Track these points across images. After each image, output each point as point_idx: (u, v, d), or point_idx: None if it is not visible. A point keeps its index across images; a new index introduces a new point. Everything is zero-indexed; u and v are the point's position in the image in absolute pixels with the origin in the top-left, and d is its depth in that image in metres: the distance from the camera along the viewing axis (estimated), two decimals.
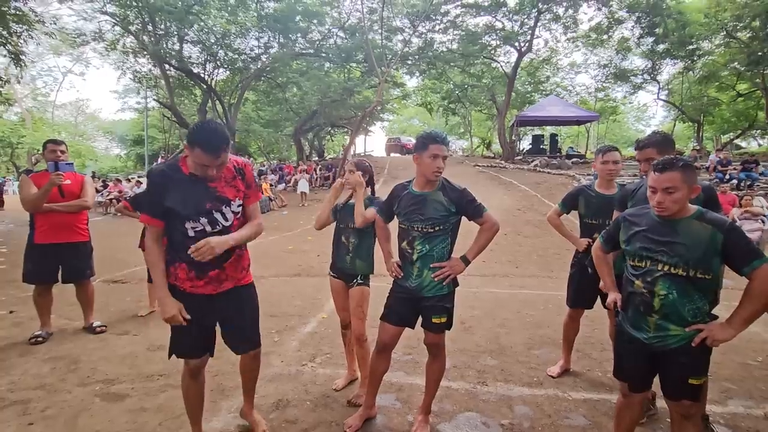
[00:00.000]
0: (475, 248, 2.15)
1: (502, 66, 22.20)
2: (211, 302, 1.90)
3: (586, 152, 22.33)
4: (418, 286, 2.14)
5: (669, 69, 22.49)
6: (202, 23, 16.75)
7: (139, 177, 17.31)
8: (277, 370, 2.93)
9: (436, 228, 2.10)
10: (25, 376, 2.81)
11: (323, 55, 19.84)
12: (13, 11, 10.82)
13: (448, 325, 2.17)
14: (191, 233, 1.80)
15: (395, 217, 2.28)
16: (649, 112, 37.45)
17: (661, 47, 19.95)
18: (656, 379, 1.82)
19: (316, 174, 17.72)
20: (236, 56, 18.82)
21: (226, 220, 1.86)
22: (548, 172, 15.99)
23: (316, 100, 19.19)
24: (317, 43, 19.63)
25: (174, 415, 2.35)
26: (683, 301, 1.64)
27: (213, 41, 17.86)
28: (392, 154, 27.57)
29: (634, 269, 1.77)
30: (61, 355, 3.17)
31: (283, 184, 17.08)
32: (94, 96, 68.25)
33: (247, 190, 1.94)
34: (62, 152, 3.44)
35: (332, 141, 35.33)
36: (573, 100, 26.06)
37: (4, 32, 10.90)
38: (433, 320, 2.13)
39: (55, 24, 14.55)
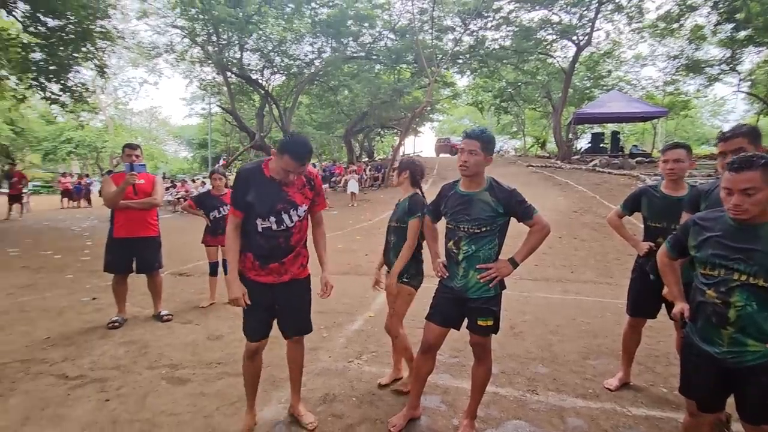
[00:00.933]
0: (524, 250, 2.09)
1: (558, 61, 21.16)
2: (271, 291, 2.12)
3: (652, 151, 20.70)
4: (464, 287, 2.11)
5: (752, 58, 20.21)
6: (260, 32, 17.66)
7: (203, 178, 18.55)
8: (325, 365, 3.02)
9: (483, 229, 2.06)
10: (103, 357, 3.13)
11: (374, 57, 20.11)
12: (99, 29, 12.07)
13: (495, 328, 2.12)
14: (260, 229, 2.05)
15: (443, 216, 2.26)
16: (728, 106, 33.89)
17: (742, 34, 17.99)
18: (731, 399, 1.66)
19: (366, 174, 17.98)
20: (291, 62, 19.62)
21: (291, 221, 2.08)
22: (609, 173, 15.00)
23: (366, 101, 19.50)
24: (368, 45, 19.92)
25: (230, 402, 2.50)
26: (765, 314, 1.48)
27: (270, 48, 18.75)
28: (441, 155, 27.29)
29: (705, 278, 1.62)
30: (133, 339, 3.49)
31: (327, 184, 17.54)
32: (166, 103, 74.29)
33: (316, 197, 2.20)
34: (137, 156, 3.79)
35: (382, 142, 35.69)
36: (638, 94, 24.20)
37: (92, 48, 12.17)
38: (479, 322, 2.09)
39: (134, 39, 16.04)
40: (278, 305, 2.17)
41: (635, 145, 22.57)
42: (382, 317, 4.09)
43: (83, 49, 12.02)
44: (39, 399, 2.52)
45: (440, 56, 19.00)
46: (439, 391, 2.64)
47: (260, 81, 20.02)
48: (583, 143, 25.48)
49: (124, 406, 2.45)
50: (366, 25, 18.93)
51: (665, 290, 2.00)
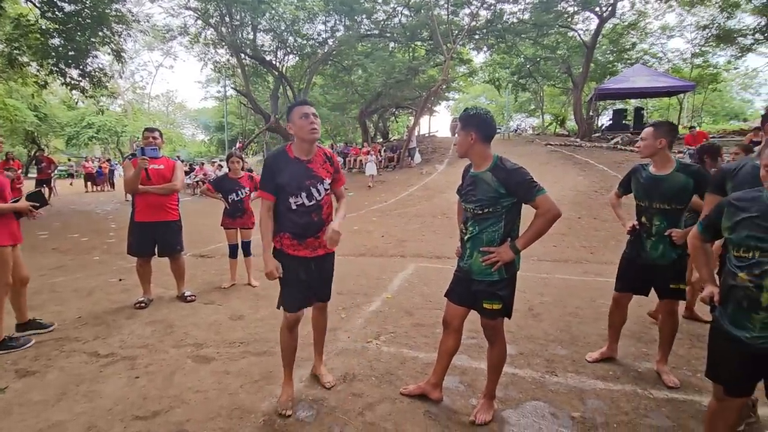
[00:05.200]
0: (526, 236, 2.00)
1: (579, 35, 20.26)
2: (308, 263, 2.30)
3: (678, 127, 19.89)
4: (469, 268, 2.11)
5: None
6: (273, 11, 17.42)
7: (220, 161, 18.75)
8: (344, 345, 3.07)
9: (485, 210, 2.02)
10: (131, 336, 3.25)
11: (388, 35, 19.67)
12: (114, 13, 12.10)
13: (503, 312, 2.09)
14: (293, 206, 2.22)
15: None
16: (760, 78, 32.11)
17: None
18: (760, 384, 1.62)
19: (381, 155, 17.87)
20: (305, 42, 19.38)
21: (320, 194, 2.26)
22: (632, 150, 14.50)
23: (380, 81, 19.18)
24: (382, 23, 19.47)
25: (253, 380, 2.58)
26: None
27: (283, 28, 18.52)
28: (456, 135, 26.81)
29: (738, 260, 1.56)
30: (159, 319, 3.61)
31: (341, 159, 17.61)
32: (181, 87, 74.72)
33: (335, 174, 2.38)
34: (155, 138, 3.83)
35: (396, 122, 35.26)
36: (664, 68, 23.09)
37: (108, 32, 12.24)
38: (484, 305, 2.08)
39: (148, 22, 16.05)
40: (314, 277, 2.34)
41: (666, 122, 21.64)
42: (400, 298, 4.14)
43: (100, 33, 12.10)
44: (74, 375, 2.65)
45: (456, 32, 18.45)
46: (457, 372, 2.66)
47: (274, 62, 19.90)
48: (604, 120, 24.63)
49: (153, 383, 2.55)
50: (380, 1, 18.47)
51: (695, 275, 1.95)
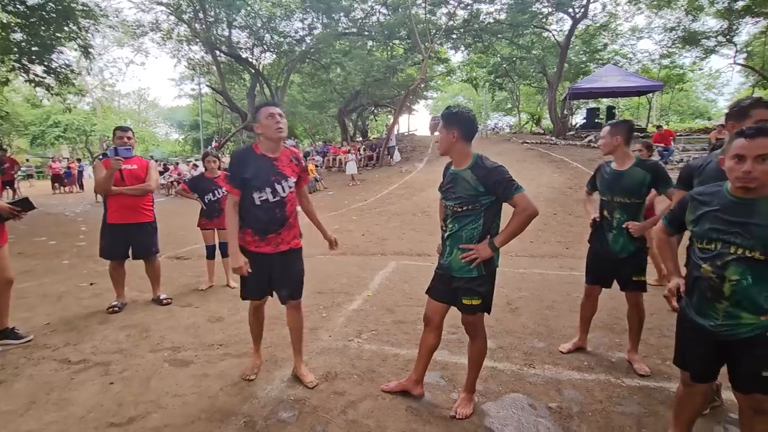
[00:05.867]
0: (504, 234, 2.02)
1: (554, 35, 20.76)
2: (270, 259, 2.38)
3: (647, 125, 20.65)
4: (449, 265, 2.14)
5: (749, 29, 19.95)
6: (248, 8, 17.12)
7: (195, 160, 18.31)
8: (325, 344, 3.06)
9: (464, 208, 2.05)
10: (105, 341, 3.15)
11: (366, 33, 19.65)
12: (81, 7, 11.63)
13: (483, 308, 2.13)
14: (257, 202, 2.31)
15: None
16: (723, 78, 33.54)
17: (740, 4, 17.69)
18: (723, 369, 1.71)
19: (360, 154, 17.85)
20: (282, 39, 19.15)
21: (284, 191, 2.35)
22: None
23: (359, 80, 19.14)
24: (360, 21, 19.43)
25: (233, 382, 2.54)
26: (759, 287, 1.50)
27: (259, 25, 18.25)
28: (436, 133, 27.02)
29: (701, 252, 1.63)
30: (134, 323, 3.51)
31: (320, 158, 17.52)
32: (154, 84, 72.48)
33: (302, 173, 2.49)
34: (129, 138, 3.71)
35: (376, 121, 35.28)
36: (634, 68, 23.88)
37: (74, 27, 11.76)
38: (464, 301, 2.12)
39: (117, 17, 15.51)
40: (275, 273, 2.41)
41: (625, 120, 22.39)
42: (381, 296, 4.16)
43: (65, 28, 11.61)
44: (43, 383, 2.55)
45: (434, 31, 18.58)
46: (438, 367, 2.69)
47: (250, 59, 19.58)
48: (578, 119, 25.32)
49: (128, 389, 2.48)
50: None
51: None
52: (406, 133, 26.63)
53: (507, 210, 2.06)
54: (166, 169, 18.45)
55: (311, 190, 13.92)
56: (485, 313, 2.17)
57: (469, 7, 19.00)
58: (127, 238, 3.80)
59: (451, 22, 19.01)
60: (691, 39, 20.51)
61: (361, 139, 25.88)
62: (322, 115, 28.01)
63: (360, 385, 2.51)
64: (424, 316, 2.30)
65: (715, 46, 20.65)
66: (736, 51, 20.81)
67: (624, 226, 2.60)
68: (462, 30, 19.69)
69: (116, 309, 3.76)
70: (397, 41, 20.08)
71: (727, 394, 2.20)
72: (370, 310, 3.79)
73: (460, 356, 2.80)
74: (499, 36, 20.12)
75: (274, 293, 2.51)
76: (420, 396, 2.36)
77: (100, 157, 3.77)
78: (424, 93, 26.79)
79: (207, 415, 2.21)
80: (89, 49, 12.72)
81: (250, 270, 2.33)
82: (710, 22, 20.31)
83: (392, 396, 2.37)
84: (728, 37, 19.76)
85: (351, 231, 8.07)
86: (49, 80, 12.33)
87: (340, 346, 3.03)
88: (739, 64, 21.94)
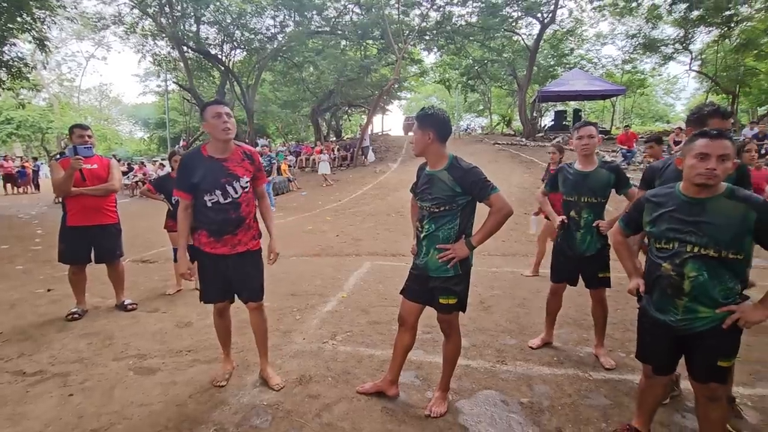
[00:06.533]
0: (481, 233, 2.05)
1: (523, 39, 21.31)
2: (226, 261, 2.34)
3: (611, 128, 21.51)
4: (425, 265, 2.16)
5: (703, 38, 21.12)
6: (218, 3, 16.66)
7: (162, 160, 17.68)
8: (299, 347, 3.02)
9: (441, 208, 2.07)
10: (63, 351, 2.98)
11: (339, 32, 19.51)
12: None
13: (458, 306, 2.15)
14: (209, 204, 2.27)
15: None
16: (680, 84, 35.59)
17: (695, 14, 18.69)
18: (680, 360, 1.79)
19: (335, 153, 17.73)
20: (252, 36, 18.74)
21: (236, 192, 2.29)
22: (571, 150, 15.46)
23: (332, 79, 19.02)
24: (333, 20, 19.27)
25: (203, 389, 2.46)
26: (714, 282, 1.59)
27: (229, 21, 17.78)
28: (410, 133, 27.18)
29: (660, 252, 1.70)
30: (96, 331, 3.34)
31: (293, 157, 17.35)
32: (117, 80, 69.36)
33: (257, 172, 2.41)
34: (89, 136, 3.53)
35: (349, 121, 35.10)
36: (598, 73, 24.87)
37: (28, 18, 11.08)
38: (440, 301, 2.14)
39: (76, 8, 14.73)
40: (234, 275, 2.37)
41: (595, 123, 23.33)
42: (356, 297, 4.14)
43: (18, 19, 10.91)
44: None
45: (407, 32, 18.69)
46: (413, 367, 2.70)
47: (220, 56, 19.06)
48: (546, 121, 26.08)
49: (89, 400, 2.36)
50: None
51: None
52: (380, 134, 26.63)
53: (482, 210, 2.09)
54: (130, 169, 17.74)
55: (283, 191, 13.70)
56: (460, 312, 2.19)
57: (441, 9, 19.23)
58: (90, 241, 3.62)
59: (424, 24, 19.17)
60: (650, 46, 21.54)
61: (334, 139, 25.71)
62: (295, 115, 27.61)
63: (335, 387, 2.48)
64: (399, 317, 2.30)
65: (673, 53, 21.76)
66: (692, 58, 21.98)
67: (594, 224, 2.69)
68: (435, 31, 19.88)
69: (76, 316, 3.57)
70: (370, 41, 20.04)
71: (685, 384, 2.32)
72: (344, 311, 3.76)
73: (434, 355, 2.82)
74: (470, 38, 20.46)
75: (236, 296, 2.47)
76: (395, 396, 2.36)
77: (57, 156, 3.56)
78: (398, 93, 26.90)
79: (175, 424, 2.14)
80: (45, 42, 12.02)
81: (194, 275, 2.34)
82: (668, 30, 21.44)
83: (367, 397, 2.36)
84: (684, 44, 20.86)
85: (325, 232, 8.00)
86: (1, 74, 11.58)
87: (315, 349, 3.00)
88: (694, 70, 23.17)
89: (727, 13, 17.96)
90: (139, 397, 2.39)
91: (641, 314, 1.85)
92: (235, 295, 2.48)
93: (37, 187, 17.84)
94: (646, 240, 1.96)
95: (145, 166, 17.33)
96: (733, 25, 18.70)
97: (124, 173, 16.38)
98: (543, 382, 2.55)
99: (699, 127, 2.04)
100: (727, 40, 20.08)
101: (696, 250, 1.59)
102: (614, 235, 1.98)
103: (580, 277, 2.84)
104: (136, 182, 15.41)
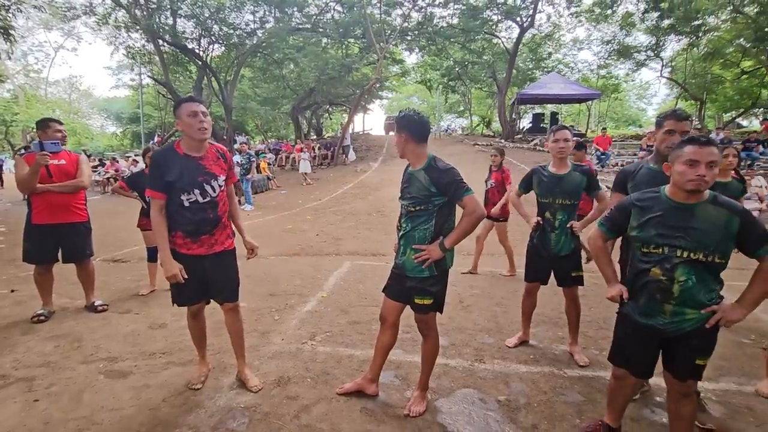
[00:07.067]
0: (453, 235, 2.05)
1: (503, 42, 21.69)
2: (202, 261, 2.28)
3: (586, 131, 22.11)
4: (402, 265, 2.17)
5: (673, 46, 22.02)
6: None
7: (135, 156, 17.12)
8: (278, 348, 2.98)
9: (418, 208, 2.09)
10: (28, 354, 2.85)
11: (320, 30, 19.35)
12: None
13: (435, 307, 2.16)
14: (186, 204, 2.20)
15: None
16: (651, 90, 36.98)
17: (665, 22, 19.43)
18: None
19: (315, 152, 17.59)
20: (231, 31, 18.34)
21: (214, 191, 2.26)
22: (548, 152, 15.83)
23: (313, 77, 18.83)
24: (314, 17, 19.10)
25: (177, 392, 2.40)
26: (701, 286, 1.63)
27: (207, 15, 17.35)
28: (391, 133, 27.25)
29: (647, 257, 1.71)
30: (63, 333, 3.21)
31: (273, 155, 17.16)
32: (88, 73, 66.77)
33: (229, 171, 2.38)
34: (56, 131, 3.38)
35: (330, 119, 34.87)
36: (575, 77, 25.55)
37: None
38: (416, 301, 2.15)
39: None
40: (211, 275, 2.32)
41: (572, 126, 23.95)
42: (335, 297, 4.11)
43: None
44: None
45: (389, 32, 18.69)
46: (393, 366, 2.71)
47: (197, 51, 18.59)
48: (525, 123, 26.60)
49: (56, 405, 2.27)
50: None
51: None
52: (361, 133, 26.58)
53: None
54: (102, 165, 17.13)
55: (263, 189, 13.50)
56: (438, 312, 2.21)
57: (423, 10, 19.34)
58: (57, 240, 3.47)
59: (406, 24, 19.23)
60: (624, 52, 22.28)
61: (315, 137, 25.50)
62: (275, 112, 27.18)
63: (314, 388, 2.46)
64: (380, 315, 2.31)
65: (645, 59, 22.57)
66: (663, 65, 22.84)
67: (568, 225, 2.76)
68: (416, 32, 19.99)
69: (42, 318, 3.42)
70: (352, 40, 19.96)
71: (654, 380, 2.40)
72: (324, 311, 3.74)
73: (414, 355, 2.83)
74: (452, 40, 20.67)
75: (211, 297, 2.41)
76: (374, 394, 2.36)
77: (22, 152, 3.40)
78: (380, 93, 26.89)
79: (148, 429, 2.08)
80: (10, 31, 11.45)
81: (186, 276, 2.22)
82: (641, 38, 22.21)
83: (347, 398, 2.35)
84: (656, 52, 21.65)
85: (305, 231, 7.92)
86: None
87: (294, 350, 2.96)
88: (664, 77, 24.05)
89: (696, 22, 18.75)
90: (110, 402, 2.30)
91: (623, 320, 1.85)
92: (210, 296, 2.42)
93: (1, 182, 17.01)
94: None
95: (117, 162, 16.75)
96: (701, 34, 19.54)
97: (94, 168, 15.82)
98: (520, 380, 2.59)
99: (659, 129, 2.18)
100: (695, 49, 20.96)
101: (686, 255, 1.62)
102: (595, 240, 1.94)
103: (554, 276, 2.91)
104: (108, 179, 14.89)
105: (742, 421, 2.23)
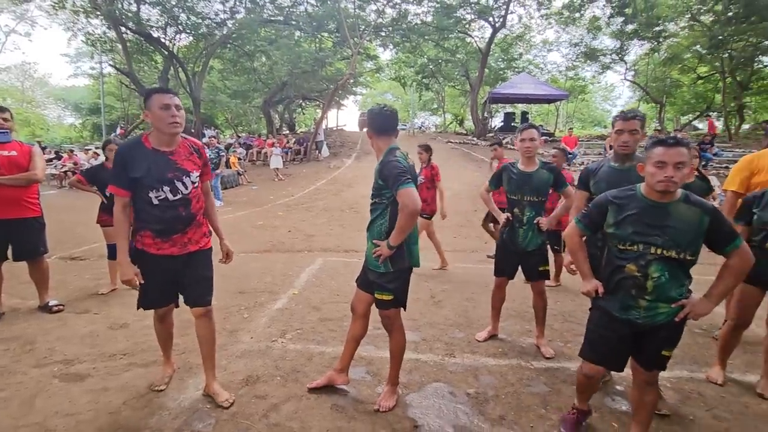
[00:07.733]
0: (393, 232, 2.00)
1: (476, 41, 22.02)
2: (175, 262, 2.15)
3: (555, 131, 22.80)
4: (367, 257, 2.19)
5: (636, 50, 23.02)
6: None
7: (96, 148, 16.29)
8: (247, 347, 2.91)
9: (373, 200, 2.12)
10: None
11: (293, 23, 18.97)
12: None
13: (395, 303, 2.16)
14: (155, 201, 2.06)
15: None
16: (616, 92, 38.46)
17: (629, 27, 20.27)
18: None
19: (290, 146, 17.30)
20: (199, 21, 17.69)
21: (186, 188, 2.11)
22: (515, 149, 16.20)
23: (285, 70, 18.50)
24: (287, 9, 18.70)
25: (139, 394, 2.30)
26: (673, 282, 1.70)
27: (174, 3, 16.67)
28: (365, 129, 27.10)
29: (623, 253, 1.76)
30: (14, 335, 3.02)
31: (243, 150, 16.81)
32: (43, 59, 62.77)
33: (203, 167, 2.24)
34: (5, 120, 3.17)
35: (303, 114, 34.36)
36: (544, 78, 26.29)
37: None
38: (376, 296, 2.17)
39: None
40: (183, 277, 2.19)
41: (541, 125, 24.65)
42: (307, 294, 4.07)
43: None
44: None
45: (363, 27, 18.57)
46: (364, 362, 2.70)
47: (163, 40, 17.82)
48: (497, 122, 27.14)
49: (5, 412, 2.13)
50: None
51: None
52: (334, 128, 26.34)
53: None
54: (58, 157, 16.22)
55: (233, 185, 13.16)
56: (402, 309, 2.22)
57: (397, 6, 19.31)
58: (7, 236, 3.27)
59: (380, 20, 19.15)
60: (591, 55, 23.11)
61: (287, 132, 25.07)
62: (246, 106, 26.53)
63: (283, 386, 2.42)
64: (351, 304, 2.33)
65: (610, 62, 23.50)
66: (627, 68, 23.84)
67: (536, 221, 2.84)
68: (391, 28, 19.94)
69: None
70: (325, 34, 19.69)
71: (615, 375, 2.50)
72: (295, 308, 3.69)
73: (385, 351, 2.80)
74: (426, 37, 20.74)
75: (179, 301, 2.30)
76: (345, 384, 2.37)
77: None
78: (353, 88, 26.68)
79: None
80: None
81: (142, 281, 2.11)
82: (607, 41, 23.10)
83: (317, 395, 2.33)
84: (620, 55, 22.57)
85: (277, 227, 7.78)
86: None
87: (263, 348, 2.91)
88: (628, 80, 25.13)
89: (657, 28, 19.64)
90: (65, 407, 2.19)
91: (598, 317, 1.89)
92: (180, 299, 2.29)
93: None
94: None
95: (75, 154, 15.88)
96: (661, 39, 20.49)
97: (50, 161, 14.97)
98: (489, 373, 2.65)
99: (622, 129, 2.29)
100: (656, 54, 21.98)
101: (659, 252, 1.68)
102: (572, 237, 1.94)
103: (522, 270, 2.99)
104: (66, 172, 14.11)
105: (694, 405, 2.36)
